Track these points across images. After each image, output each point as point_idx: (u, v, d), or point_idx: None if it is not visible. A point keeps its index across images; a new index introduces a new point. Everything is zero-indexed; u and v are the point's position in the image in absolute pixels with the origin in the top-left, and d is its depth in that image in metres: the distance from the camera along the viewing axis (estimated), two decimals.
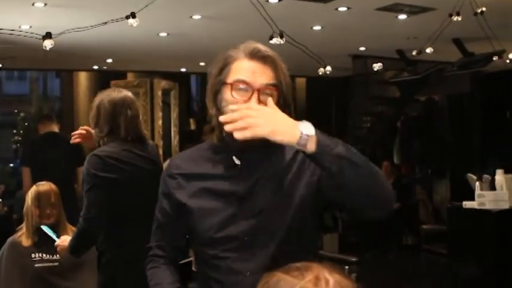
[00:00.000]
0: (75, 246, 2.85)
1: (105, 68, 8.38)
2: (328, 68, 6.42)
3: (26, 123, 10.91)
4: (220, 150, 1.78)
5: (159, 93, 8.90)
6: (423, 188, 9.01)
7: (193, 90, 11.27)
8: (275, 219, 1.72)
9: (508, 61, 7.15)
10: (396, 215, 7.36)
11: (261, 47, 1.72)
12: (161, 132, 8.87)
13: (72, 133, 3.10)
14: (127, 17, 4.35)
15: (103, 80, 7.99)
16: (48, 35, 3.74)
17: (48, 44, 3.69)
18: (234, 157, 1.76)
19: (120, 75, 9.04)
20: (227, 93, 1.69)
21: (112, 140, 2.81)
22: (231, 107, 1.61)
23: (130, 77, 8.82)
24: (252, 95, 1.66)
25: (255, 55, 1.69)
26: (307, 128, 1.49)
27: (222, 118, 1.56)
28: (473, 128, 9.38)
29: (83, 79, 9.10)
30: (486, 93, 9.38)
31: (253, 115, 1.50)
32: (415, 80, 7.58)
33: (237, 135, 1.50)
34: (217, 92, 1.72)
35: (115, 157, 2.74)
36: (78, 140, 3.07)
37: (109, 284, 2.81)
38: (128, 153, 2.78)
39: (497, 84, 9.37)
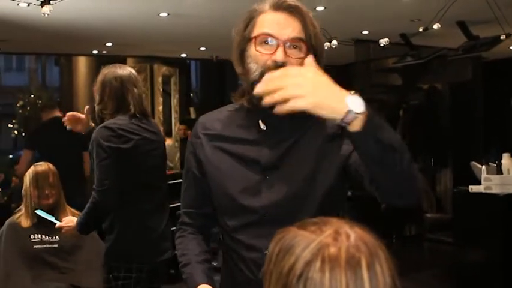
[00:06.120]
0: (86, 222, 2.81)
1: (104, 52, 8.26)
2: (334, 42, 6.34)
3: (26, 113, 10.84)
4: (247, 113, 1.63)
5: (159, 79, 8.86)
6: (425, 177, 8.95)
7: (193, 78, 11.17)
8: (303, 196, 1.56)
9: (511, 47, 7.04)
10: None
11: None
12: (162, 118, 8.83)
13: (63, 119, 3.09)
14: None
15: (103, 66, 7.87)
16: (47, 1, 3.64)
17: (46, 10, 3.60)
18: (260, 121, 1.61)
19: (119, 60, 8.93)
20: (251, 49, 1.55)
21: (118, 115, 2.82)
22: (265, 76, 1.30)
23: (129, 62, 8.72)
24: (277, 48, 1.51)
25: (280, 6, 1.54)
26: (355, 103, 1.22)
27: (257, 89, 1.29)
28: (476, 115, 9.32)
29: (82, 66, 8.99)
30: (489, 80, 9.32)
31: (293, 82, 1.22)
32: (418, 65, 7.48)
33: (276, 110, 1.25)
34: (243, 50, 1.58)
35: (125, 129, 2.75)
36: (68, 126, 3.05)
37: (116, 259, 2.79)
38: (135, 126, 2.80)
39: (500, 72, 9.31)
